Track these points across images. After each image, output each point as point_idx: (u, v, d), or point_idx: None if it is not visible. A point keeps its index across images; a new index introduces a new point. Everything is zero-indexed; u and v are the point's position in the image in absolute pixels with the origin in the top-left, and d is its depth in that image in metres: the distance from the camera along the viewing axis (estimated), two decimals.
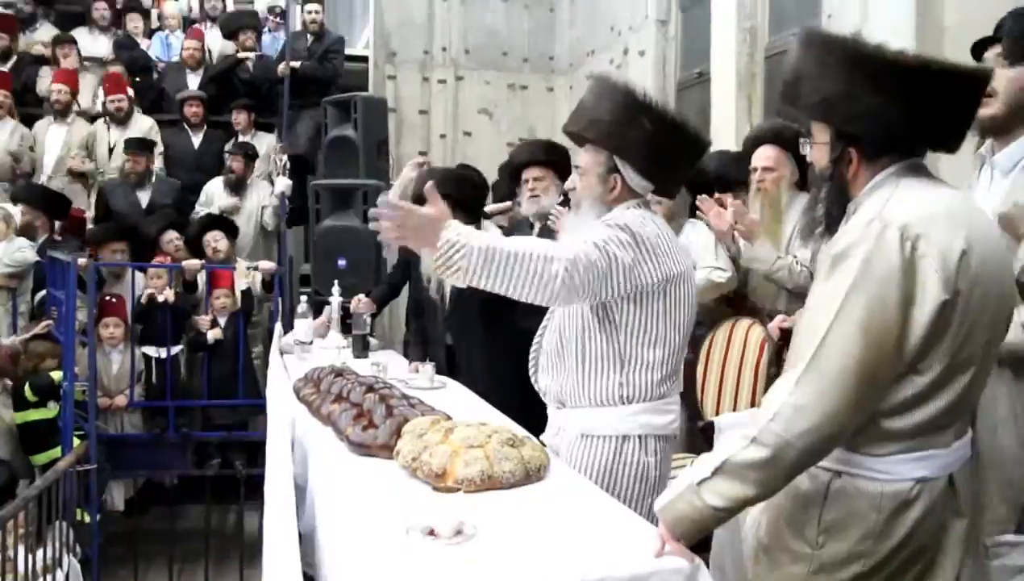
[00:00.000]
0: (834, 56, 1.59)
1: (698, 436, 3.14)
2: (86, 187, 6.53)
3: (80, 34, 7.23)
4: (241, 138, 6.65)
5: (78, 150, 6.46)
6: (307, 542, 2.12)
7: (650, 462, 2.27)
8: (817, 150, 1.72)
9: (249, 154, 6.35)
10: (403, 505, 1.81)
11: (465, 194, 3.43)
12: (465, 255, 1.92)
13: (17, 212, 5.58)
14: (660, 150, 2.25)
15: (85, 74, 6.94)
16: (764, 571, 1.72)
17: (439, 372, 3.39)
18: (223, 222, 5.83)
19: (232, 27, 7.24)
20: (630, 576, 1.49)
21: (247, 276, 5.43)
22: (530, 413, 2.55)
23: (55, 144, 6.46)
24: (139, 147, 6.14)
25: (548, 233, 3.24)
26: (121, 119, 6.48)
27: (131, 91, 6.66)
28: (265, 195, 6.36)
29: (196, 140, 6.72)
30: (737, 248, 3.52)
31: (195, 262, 5.47)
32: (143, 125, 6.58)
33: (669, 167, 2.30)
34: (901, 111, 1.56)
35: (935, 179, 1.65)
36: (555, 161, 3.58)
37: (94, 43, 7.31)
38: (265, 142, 6.77)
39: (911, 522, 1.56)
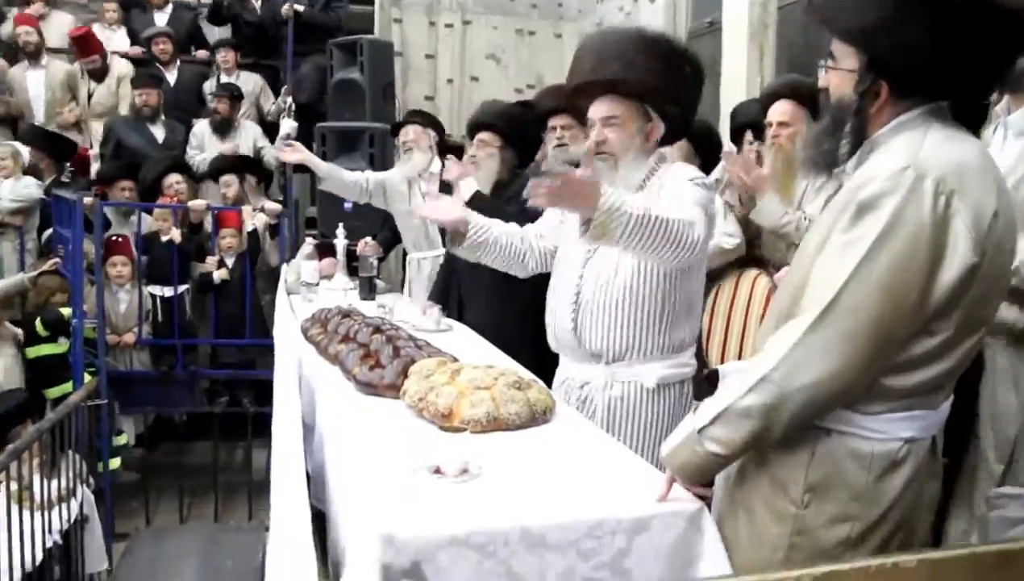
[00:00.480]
0: None
1: (703, 384, 3.18)
2: (80, 132, 6.51)
3: None
4: (224, 78, 6.57)
5: (61, 94, 6.40)
6: (315, 479, 2.17)
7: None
8: (838, 77, 1.59)
9: (234, 95, 6.29)
10: (409, 444, 1.84)
11: (516, 132, 3.46)
12: (623, 222, 1.95)
13: (26, 152, 5.58)
14: (691, 95, 2.32)
15: (55, 12, 6.85)
16: (739, 528, 1.63)
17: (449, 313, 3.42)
18: (250, 162, 5.86)
19: None
20: (633, 518, 1.52)
21: (253, 217, 5.45)
22: (541, 356, 2.59)
23: (37, 89, 6.41)
24: (146, 81, 6.11)
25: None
26: (99, 76, 6.45)
27: (118, 29, 6.64)
28: (256, 135, 6.33)
29: (171, 77, 6.64)
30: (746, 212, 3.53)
31: (200, 202, 5.49)
32: (121, 70, 6.53)
33: (688, 110, 2.37)
34: (942, 46, 1.44)
35: (960, 127, 1.53)
36: (563, 108, 3.55)
37: None
38: (252, 81, 6.71)
39: (900, 484, 1.51)
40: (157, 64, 6.60)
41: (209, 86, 6.56)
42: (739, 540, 1.61)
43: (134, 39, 6.90)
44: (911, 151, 1.45)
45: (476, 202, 3.11)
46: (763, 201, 3.30)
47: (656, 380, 2.33)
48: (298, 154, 4.05)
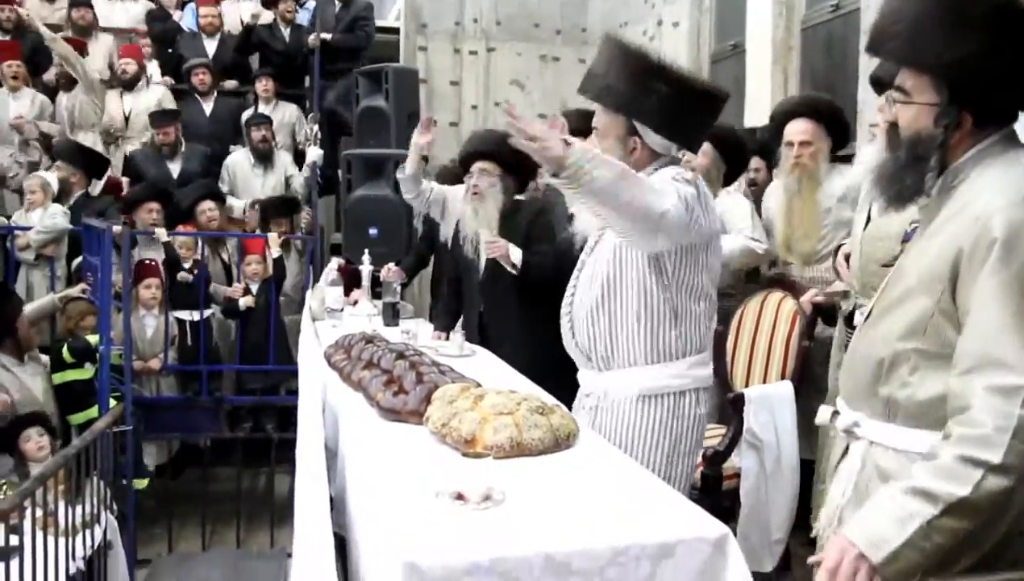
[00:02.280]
0: (979, 8, 1.48)
1: (727, 407, 3.14)
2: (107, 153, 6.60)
3: (99, 3, 7.17)
4: (262, 107, 6.64)
5: (87, 115, 6.46)
6: (338, 505, 2.16)
7: (702, 414, 2.36)
8: (914, 111, 1.58)
9: (271, 123, 6.36)
10: (432, 470, 1.83)
11: (513, 159, 3.37)
12: (599, 165, 1.96)
13: (54, 178, 5.66)
14: (678, 110, 2.26)
15: (97, 41, 6.95)
16: None
17: (471, 337, 3.41)
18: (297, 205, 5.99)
19: None
20: (657, 544, 1.49)
21: (277, 243, 5.49)
22: (563, 382, 2.56)
23: (63, 113, 6.44)
24: (163, 118, 6.18)
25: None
26: (127, 83, 6.53)
27: (150, 61, 6.72)
28: (287, 164, 6.38)
29: (207, 108, 6.72)
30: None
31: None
32: (156, 92, 6.62)
33: (688, 124, 2.31)
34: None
35: None
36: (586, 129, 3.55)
37: (113, 12, 7.31)
38: (288, 112, 6.78)
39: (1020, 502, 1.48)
40: (196, 95, 6.69)
41: (247, 115, 6.60)
42: None
43: (165, 70, 6.99)
44: (1016, 177, 1.48)
45: None
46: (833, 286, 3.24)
47: (639, 390, 2.30)
48: (429, 136, 3.94)
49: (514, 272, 3.34)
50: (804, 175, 3.42)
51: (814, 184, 3.41)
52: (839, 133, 3.47)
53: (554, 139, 1.94)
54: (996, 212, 1.44)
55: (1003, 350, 1.41)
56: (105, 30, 7.10)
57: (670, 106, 2.24)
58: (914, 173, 1.59)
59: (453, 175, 4.36)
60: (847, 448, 1.75)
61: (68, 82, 6.40)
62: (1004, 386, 1.39)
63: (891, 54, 1.60)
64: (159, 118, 6.18)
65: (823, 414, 1.82)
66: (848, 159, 3.81)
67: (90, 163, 5.89)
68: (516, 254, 3.32)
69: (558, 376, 2.62)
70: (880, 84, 2.95)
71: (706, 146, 3.75)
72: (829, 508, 1.75)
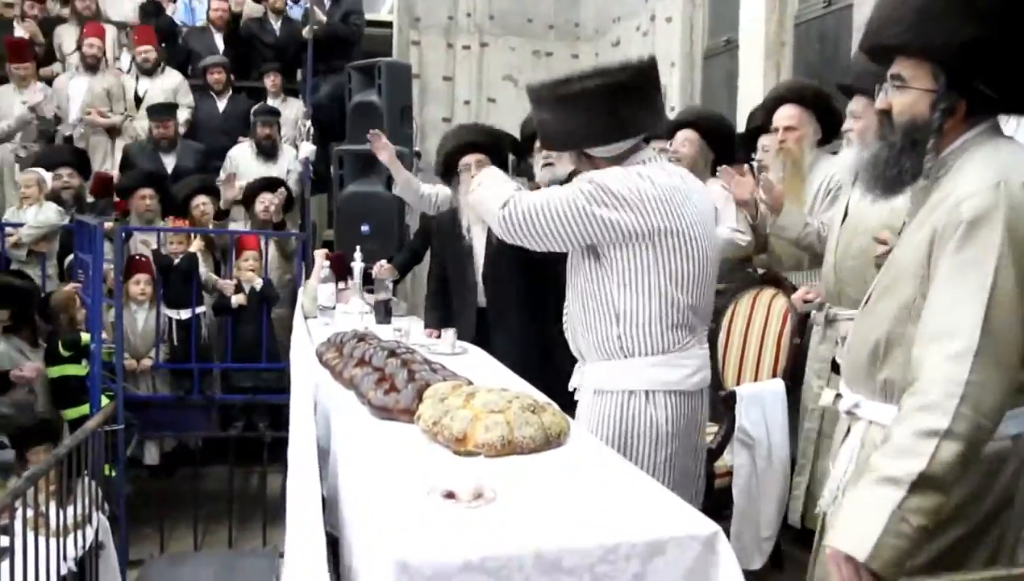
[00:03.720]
0: None
1: (719, 405, 3.14)
2: (112, 138, 6.57)
3: None
4: (271, 101, 6.64)
5: (97, 102, 6.46)
6: (330, 503, 2.15)
7: (660, 417, 2.29)
8: (910, 96, 1.62)
9: (277, 119, 6.34)
10: (424, 468, 1.82)
11: (499, 151, 3.59)
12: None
13: (49, 176, 5.64)
14: (610, 116, 2.25)
15: (105, 26, 6.93)
16: None
17: (466, 334, 3.42)
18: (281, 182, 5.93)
19: None
20: (648, 542, 1.49)
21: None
22: (564, 369, 2.59)
23: (78, 95, 6.47)
24: (163, 112, 6.15)
25: None
26: (149, 70, 6.53)
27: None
28: (290, 159, 6.36)
29: (221, 105, 6.73)
30: (755, 215, 3.51)
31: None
32: (173, 79, 6.63)
33: (627, 118, 2.29)
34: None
35: (1012, 139, 1.63)
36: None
37: (111, 5, 7.30)
38: (295, 107, 6.78)
39: (1005, 480, 1.57)
40: (211, 92, 6.69)
41: (255, 107, 6.60)
42: None
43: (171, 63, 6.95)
44: (996, 165, 1.52)
45: None
46: (784, 214, 3.27)
47: (592, 385, 2.36)
48: (388, 151, 4.09)
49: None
50: (788, 159, 3.44)
51: (798, 169, 3.43)
52: (828, 120, 3.48)
53: None
54: (967, 197, 1.50)
55: (955, 320, 1.46)
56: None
57: (593, 117, 2.26)
58: (913, 156, 1.61)
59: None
60: (848, 429, 1.81)
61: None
62: (952, 353, 1.44)
63: (893, 40, 1.61)
64: (159, 111, 6.16)
65: (826, 396, 1.89)
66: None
67: (76, 160, 5.89)
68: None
69: (557, 367, 2.64)
70: (849, 91, 2.99)
71: (692, 134, 3.78)
72: (831, 485, 1.80)
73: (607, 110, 2.24)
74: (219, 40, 7.03)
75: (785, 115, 3.47)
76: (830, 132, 3.51)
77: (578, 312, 2.37)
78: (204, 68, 6.69)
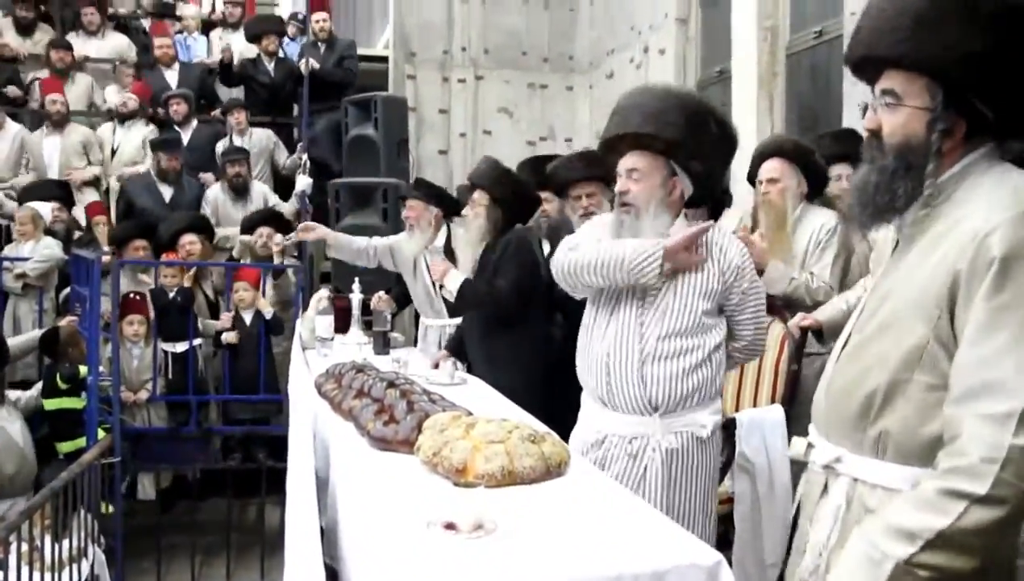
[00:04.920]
0: (991, 5, 1.38)
1: (719, 432, 3.14)
2: (97, 189, 6.64)
3: (72, 38, 7.32)
4: (236, 140, 6.65)
5: (74, 158, 6.54)
6: (329, 535, 2.14)
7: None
8: (904, 115, 1.47)
9: (248, 158, 6.39)
10: (423, 500, 1.82)
11: (506, 192, 3.61)
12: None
13: (47, 209, 5.67)
14: (718, 153, 2.36)
15: (77, 75, 7.06)
16: None
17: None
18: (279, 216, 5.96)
19: (256, 31, 7.27)
20: (650, 572, 1.48)
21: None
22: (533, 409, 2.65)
23: (53, 153, 6.54)
24: (172, 146, 6.23)
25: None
26: (125, 116, 6.64)
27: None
28: (266, 193, 6.41)
29: (185, 137, 6.76)
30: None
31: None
32: (141, 128, 6.72)
33: (714, 168, 2.40)
34: None
35: (1011, 165, 1.49)
36: (602, 174, 3.59)
37: (84, 46, 7.37)
38: (264, 136, 6.81)
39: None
40: (174, 125, 6.72)
41: (222, 145, 6.63)
42: None
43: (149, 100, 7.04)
44: (1010, 192, 1.39)
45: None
46: (768, 272, 3.27)
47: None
48: (315, 233, 4.40)
49: (448, 297, 3.63)
50: (772, 211, 3.46)
51: (781, 220, 3.45)
52: (813, 175, 3.50)
53: None
54: (995, 229, 1.35)
55: (998, 375, 1.31)
56: (86, 61, 7.22)
57: (714, 146, 2.40)
58: (907, 181, 1.48)
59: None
60: (826, 485, 1.62)
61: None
62: (996, 414, 1.30)
63: (887, 52, 1.47)
64: (169, 145, 6.23)
65: (797, 446, 1.69)
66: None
67: (62, 194, 5.96)
68: (455, 279, 3.49)
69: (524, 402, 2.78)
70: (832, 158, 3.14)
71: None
72: (812, 553, 1.61)
73: (714, 157, 2.43)
74: (170, 76, 7.12)
75: (767, 168, 3.50)
76: (816, 186, 3.54)
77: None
78: (166, 100, 6.75)
